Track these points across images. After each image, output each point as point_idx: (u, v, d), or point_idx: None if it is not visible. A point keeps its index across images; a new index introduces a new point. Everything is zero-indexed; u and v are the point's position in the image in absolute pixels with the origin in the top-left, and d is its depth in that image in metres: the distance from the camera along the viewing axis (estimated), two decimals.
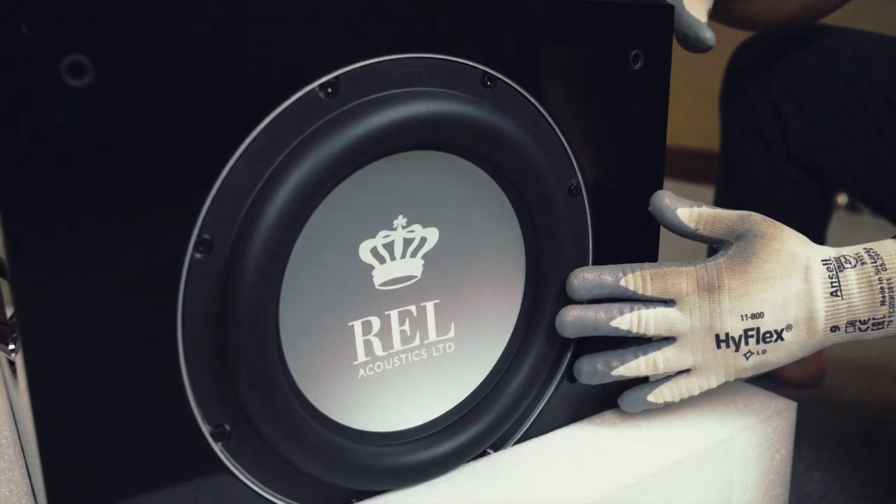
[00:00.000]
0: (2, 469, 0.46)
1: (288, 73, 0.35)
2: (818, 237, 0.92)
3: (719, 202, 0.94)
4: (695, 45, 0.53)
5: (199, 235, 0.34)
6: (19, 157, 0.30)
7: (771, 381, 1.03)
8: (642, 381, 0.51)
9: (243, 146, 0.35)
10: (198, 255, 0.35)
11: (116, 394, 0.34)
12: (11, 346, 0.37)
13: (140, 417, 0.35)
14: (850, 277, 0.46)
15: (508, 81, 0.42)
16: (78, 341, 0.32)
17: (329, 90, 0.37)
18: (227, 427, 0.37)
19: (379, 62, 0.38)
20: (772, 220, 0.48)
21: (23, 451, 0.47)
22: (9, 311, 0.40)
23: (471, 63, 0.41)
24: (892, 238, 0.47)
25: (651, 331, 0.47)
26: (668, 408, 0.52)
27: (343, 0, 0.36)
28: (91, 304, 0.32)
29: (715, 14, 0.70)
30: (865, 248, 0.47)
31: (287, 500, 0.40)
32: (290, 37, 0.35)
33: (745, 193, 0.91)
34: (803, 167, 0.85)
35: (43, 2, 0.29)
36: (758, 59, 0.84)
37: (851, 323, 0.46)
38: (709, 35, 0.53)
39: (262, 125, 0.35)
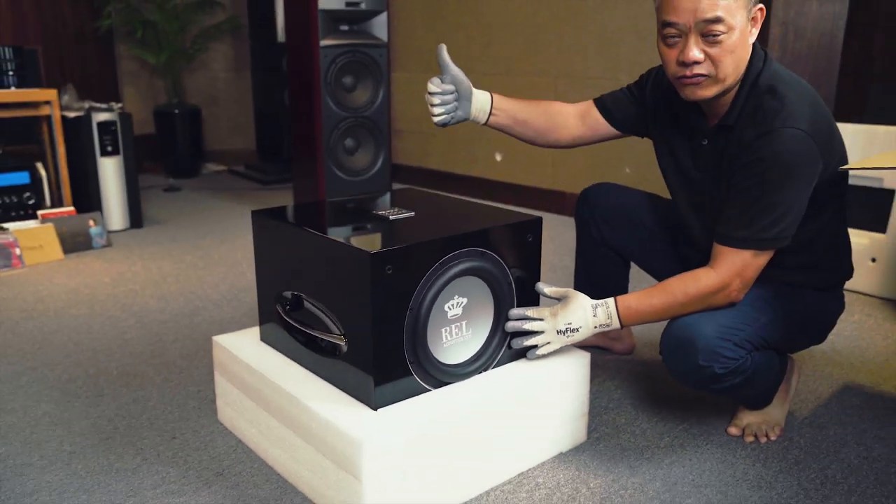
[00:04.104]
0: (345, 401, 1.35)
1: (426, 265, 1.27)
2: (622, 280, 1.87)
3: (579, 265, 1.87)
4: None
5: (410, 306, 1.25)
6: (378, 295, 1.20)
7: (608, 352, 1.98)
8: (533, 348, 1.43)
9: (420, 281, 1.26)
10: (410, 313, 1.25)
11: (392, 347, 1.24)
12: (345, 345, 1.27)
13: (395, 358, 1.25)
14: (599, 311, 1.40)
15: (490, 252, 1.35)
16: (389, 333, 1.23)
17: (442, 263, 1.28)
18: (411, 360, 1.28)
19: (453, 254, 1.29)
20: (576, 291, 1.42)
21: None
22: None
23: (479, 249, 1.33)
24: (614, 298, 1.41)
25: (535, 328, 1.40)
26: (543, 358, 1.45)
27: (438, 244, 1.28)
28: (392, 321, 1.23)
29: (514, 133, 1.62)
30: (604, 301, 1.41)
31: (427, 385, 1.31)
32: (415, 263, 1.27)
33: (588, 262, 1.84)
34: (612, 249, 1.79)
35: (387, 255, 1.20)
36: (590, 198, 1.78)
37: (600, 326, 1.40)
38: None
39: (425, 275, 1.26)
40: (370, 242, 1.28)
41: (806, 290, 1.48)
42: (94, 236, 3.00)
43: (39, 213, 2.94)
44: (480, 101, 1.53)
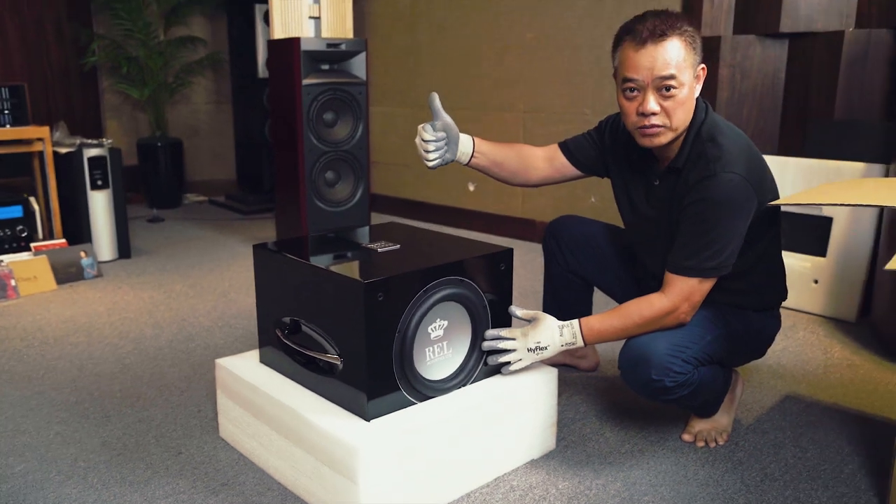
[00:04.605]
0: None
1: (412, 292, 1.44)
2: (586, 303, 2.05)
3: (547, 289, 2.05)
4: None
5: (398, 329, 1.42)
6: (371, 319, 1.37)
7: (574, 369, 2.16)
8: (507, 364, 1.61)
9: (407, 307, 1.43)
10: (398, 335, 1.42)
11: (383, 365, 1.41)
12: (340, 364, 1.43)
13: (386, 375, 1.42)
14: (565, 331, 1.58)
15: (468, 280, 1.52)
16: (380, 353, 1.39)
17: (425, 290, 1.45)
18: (399, 377, 1.45)
19: (435, 282, 1.47)
20: (545, 313, 1.60)
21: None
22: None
23: (458, 277, 1.51)
24: (578, 319, 1.59)
25: (508, 347, 1.57)
26: (515, 373, 1.63)
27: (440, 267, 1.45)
28: (383, 342, 1.40)
29: (490, 174, 1.81)
30: (569, 322, 1.59)
31: (413, 399, 1.48)
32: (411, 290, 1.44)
33: (555, 287, 2.03)
34: (577, 276, 1.98)
35: (378, 284, 1.37)
36: (556, 230, 1.97)
37: (566, 344, 1.58)
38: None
39: (411, 301, 1.43)
40: (362, 272, 1.45)
41: (746, 311, 1.67)
42: (86, 267, 3.12)
43: (32, 245, 3.06)
44: (465, 143, 1.72)
